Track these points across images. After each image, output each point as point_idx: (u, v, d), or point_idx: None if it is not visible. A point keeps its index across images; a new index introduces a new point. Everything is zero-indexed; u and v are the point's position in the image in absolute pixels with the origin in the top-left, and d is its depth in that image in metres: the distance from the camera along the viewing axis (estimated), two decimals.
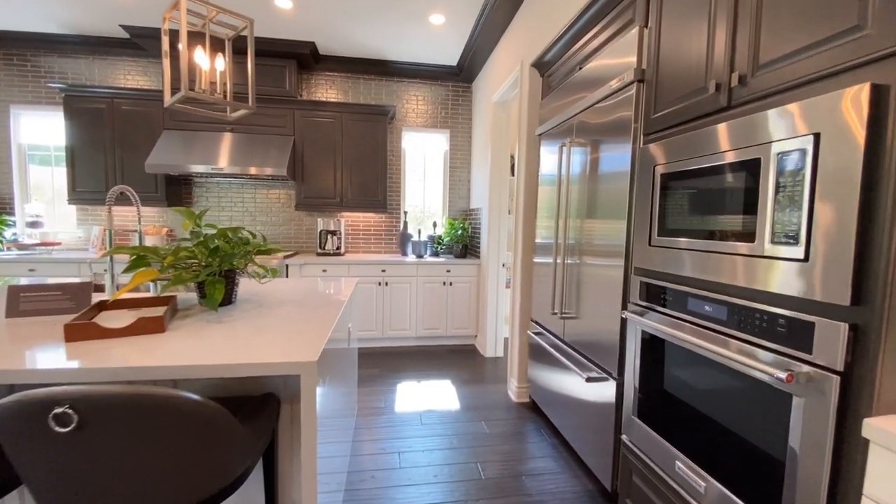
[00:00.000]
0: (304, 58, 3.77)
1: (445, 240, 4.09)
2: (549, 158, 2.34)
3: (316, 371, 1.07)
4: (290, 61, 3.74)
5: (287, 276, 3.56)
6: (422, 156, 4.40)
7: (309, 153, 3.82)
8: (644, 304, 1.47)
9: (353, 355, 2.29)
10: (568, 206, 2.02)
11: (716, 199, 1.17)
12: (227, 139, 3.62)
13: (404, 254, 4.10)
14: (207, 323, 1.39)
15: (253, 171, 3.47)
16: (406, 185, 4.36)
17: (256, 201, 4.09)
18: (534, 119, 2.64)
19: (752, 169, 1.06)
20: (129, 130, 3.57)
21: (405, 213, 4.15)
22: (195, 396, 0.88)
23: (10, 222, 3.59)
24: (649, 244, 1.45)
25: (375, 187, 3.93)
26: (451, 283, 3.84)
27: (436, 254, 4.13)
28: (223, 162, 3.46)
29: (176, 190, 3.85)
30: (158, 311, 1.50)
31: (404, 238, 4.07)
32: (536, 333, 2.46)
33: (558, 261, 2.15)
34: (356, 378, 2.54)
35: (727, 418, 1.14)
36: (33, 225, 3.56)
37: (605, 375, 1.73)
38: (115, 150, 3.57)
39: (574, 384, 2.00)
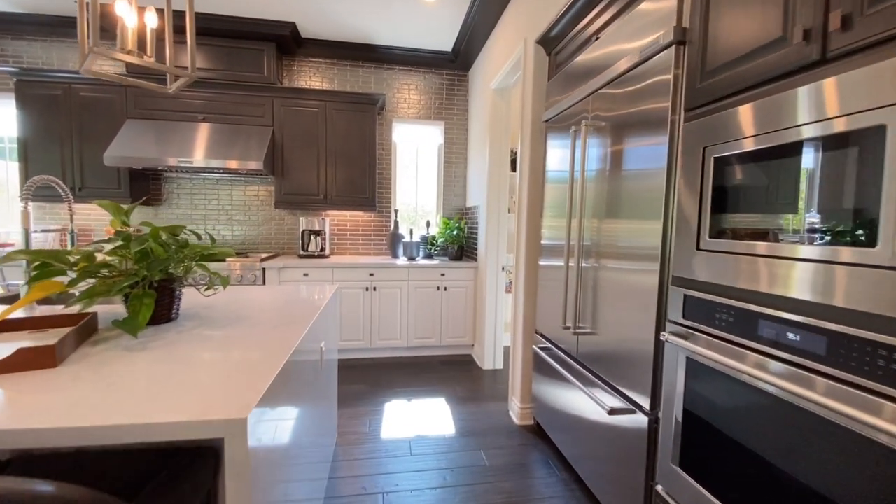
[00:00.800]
0: (283, 40, 3.43)
1: (440, 241, 3.76)
2: (557, 149, 2.02)
3: (246, 432, 0.74)
4: (268, 44, 3.40)
5: (264, 282, 3.22)
6: (414, 150, 4.07)
7: (290, 146, 3.48)
8: (689, 323, 1.16)
9: (330, 373, 1.96)
10: (583, 199, 1.70)
11: (800, 188, 0.85)
12: (197, 130, 3.27)
13: (395, 256, 3.78)
14: (125, 352, 1.06)
15: (226, 164, 3.13)
16: (397, 181, 4.03)
17: (233, 199, 3.74)
18: (539, 104, 2.32)
19: (868, 143, 0.74)
20: (88, 119, 3.22)
21: (396, 211, 3.82)
22: (47, 487, 0.56)
23: None
24: (697, 248, 1.13)
25: (363, 183, 3.60)
26: (445, 288, 3.52)
27: (429, 256, 3.81)
28: (192, 154, 3.12)
29: (142, 186, 3.50)
30: (53, 337, 1.16)
31: (395, 239, 3.75)
32: (543, 348, 2.15)
33: (571, 264, 1.83)
34: (335, 398, 2.21)
35: (820, 480, 0.83)
36: None
37: (631, 407, 1.42)
38: (73, 141, 3.22)
39: (590, 411, 1.68)
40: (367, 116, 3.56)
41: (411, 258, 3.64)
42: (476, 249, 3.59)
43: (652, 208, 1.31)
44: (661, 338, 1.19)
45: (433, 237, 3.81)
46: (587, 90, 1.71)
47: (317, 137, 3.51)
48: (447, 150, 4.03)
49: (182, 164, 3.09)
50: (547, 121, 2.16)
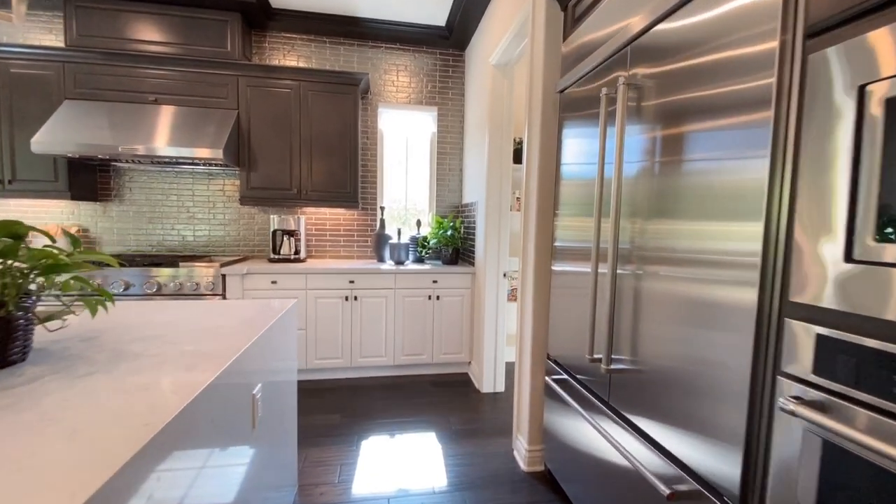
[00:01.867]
0: (250, 9, 2.95)
1: (432, 242, 3.29)
2: (577, 127, 1.56)
3: None
4: (232, 14, 2.93)
5: (223, 292, 2.74)
6: (403, 139, 3.60)
7: (258, 132, 3.00)
8: (827, 384, 0.69)
9: (284, 413, 1.49)
10: (619, 185, 1.23)
11: None
12: (147, 113, 2.79)
13: (380, 259, 3.30)
14: None
15: (178, 153, 2.66)
16: (384, 174, 3.56)
17: (195, 194, 3.27)
18: (552, 71, 1.85)
19: None
20: (20, 100, 2.73)
21: (382, 209, 3.35)
22: None
23: None
24: (847, 258, 0.67)
25: (344, 177, 3.13)
26: (438, 297, 3.05)
27: (420, 260, 3.34)
28: (138, 141, 2.64)
29: (87, 179, 3.02)
30: None
31: (380, 240, 3.27)
32: (558, 380, 1.68)
33: (602, 270, 1.37)
34: (293, 441, 1.73)
35: None
36: None
37: (704, 492, 0.95)
38: (1, 125, 2.73)
39: (629, 477, 1.22)
40: (349, 99, 3.09)
41: (399, 262, 3.17)
42: (473, 252, 3.12)
43: (744, 191, 0.85)
44: (781, 406, 0.72)
45: (424, 238, 3.34)
46: (622, 39, 1.25)
47: (290, 123, 3.03)
48: (441, 139, 3.57)
49: (125, 153, 2.62)
50: (562, 91, 1.69)
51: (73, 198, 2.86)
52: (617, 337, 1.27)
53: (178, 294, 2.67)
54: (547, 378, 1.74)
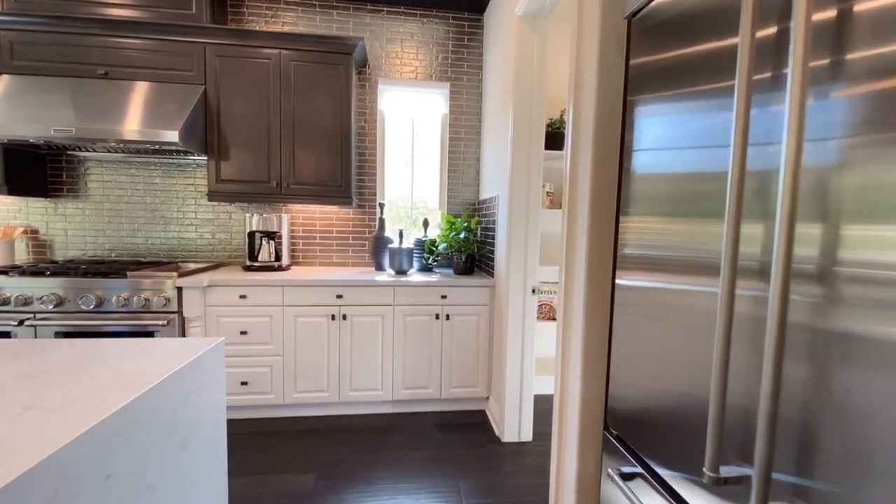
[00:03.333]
0: None
1: (441, 247, 2.67)
2: (671, 85, 0.91)
3: None
4: None
5: (180, 308, 2.20)
6: (409, 122, 3.01)
7: (229, 113, 2.46)
8: None
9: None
10: (795, 168, 0.58)
11: None
12: (94, 88, 2.29)
13: (379, 267, 2.71)
14: None
15: (122, 136, 2.14)
16: (385, 164, 2.98)
17: (162, 190, 2.75)
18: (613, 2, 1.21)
19: None
20: None
21: (381, 206, 2.76)
22: None
23: None
24: None
25: (334, 167, 2.55)
26: (448, 316, 2.44)
27: (426, 268, 2.74)
28: (75, 122, 2.13)
29: (34, 171, 2.54)
30: None
31: (378, 244, 2.68)
32: (627, 475, 1.03)
33: (744, 292, 0.72)
34: None
35: None
36: None
37: None
38: None
39: None
40: (341, 72, 2.52)
41: (401, 271, 2.57)
42: (493, 260, 2.49)
43: None
44: None
45: (432, 242, 2.73)
46: None
47: (269, 102, 2.48)
48: (454, 121, 2.96)
49: (57, 137, 2.11)
50: (638, 13, 1.04)
51: (11, 192, 2.38)
52: (786, 430, 0.61)
53: (122, 311, 2.14)
54: (609, 471, 1.09)
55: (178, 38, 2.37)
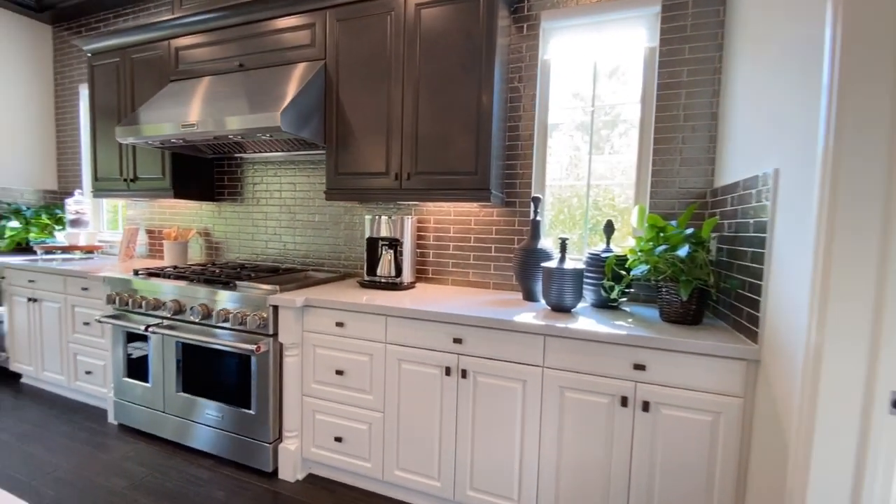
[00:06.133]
0: None
1: (638, 270, 1.51)
2: None
3: None
4: None
5: (275, 330, 1.77)
6: (588, 74, 1.96)
7: (349, 88, 1.96)
8: None
9: None
10: None
11: None
12: (229, 83, 2.13)
13: (529, 296, 1.77)
14: None
15: (224, 127, 1.85)
16: (547, 141, 2.01)
17: (297, 189, 2.51)
18: None
19: None
20: (143, 90, 2.49)
21: (535, 201, 1.80)
22: None
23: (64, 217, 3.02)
24: None
25: (467, 148, 1.75)
26: (647, 406, 1.30)
27: (609, 305, 1.64)
28: (198, 117, 1.96)
29: (202, 175, 2.62)
30: None
31: (527, 260, 1.74)
32: None
33: None
34: None
35: None
36: (75, 223, 2.91)
37: None
38: (121, 118, 2.55)
39: None
40: (481, 10, 1.71)
41: (560, 307, 1.56)
42: (756, 303, 1.22)
43: None
44: None
45: (620, 260, 1.61)
46: None
47: (387, 64, 1.88)
48: (668, 59, 1.75)
49: (183, 133, 1.97)
50: None
51: (178, 196, 2.47)
52: None
53: (223, 327, 1.85)
54: None
55: (300, 9, 2.00)
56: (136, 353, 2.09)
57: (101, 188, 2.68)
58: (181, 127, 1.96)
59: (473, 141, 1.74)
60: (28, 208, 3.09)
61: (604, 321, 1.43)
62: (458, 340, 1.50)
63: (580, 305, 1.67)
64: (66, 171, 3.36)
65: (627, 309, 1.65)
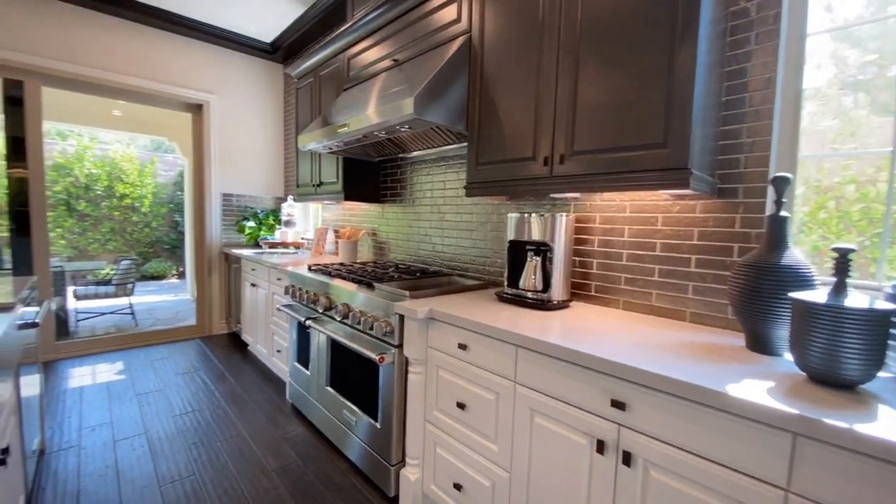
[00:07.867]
0: None
1: None
2: None
3: None
4: None
5: (401, 340, 1.58)
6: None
7: (494, 62, 1.63)
8: None
9: None
10: None
11: None
12: (380, 82, 2.09)
13: (758, 344, 1.06)
14: None
15: (370, 121, 1.76)
16: (801, 93, 1.20)
17: (447, 188, 2.33)
18: None
19: None
20: (327, 100, 2.76)
21: (779, 183, 1.06)
22: None
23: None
24: None
25: (648, 108, 1.17)
26: None
27: None
28: (351, 118, 1.96)
29: (370, 178, 2.74)
30: None
31: (760, 282, 1.03)
32: None
33: None
34: None
35: None
36: (287, 224, 3.51)
37: None
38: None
39: None
40: None
41: (832, 377, 0.84)
42: None
43: None
44: None
45: None
46: None
47: (541, 22, 1.45)
48: None
49: (341, 134, 2.00)
50: None
51: (348, 198, 2.63)
52: None
53: (356, 329, 1.78)
54: None
55: None
56: (304, 342, 2.27)
57: (300, 193, 3.12)
58: (336, 131, 2.01)
59: (662, 99, 1.15)
60: (261, 211, 3.91)
61: None
62: (618, 405, 0.97)
63: (873, 374, 0.89)
64: (290, 181, 4.14)
65: None
